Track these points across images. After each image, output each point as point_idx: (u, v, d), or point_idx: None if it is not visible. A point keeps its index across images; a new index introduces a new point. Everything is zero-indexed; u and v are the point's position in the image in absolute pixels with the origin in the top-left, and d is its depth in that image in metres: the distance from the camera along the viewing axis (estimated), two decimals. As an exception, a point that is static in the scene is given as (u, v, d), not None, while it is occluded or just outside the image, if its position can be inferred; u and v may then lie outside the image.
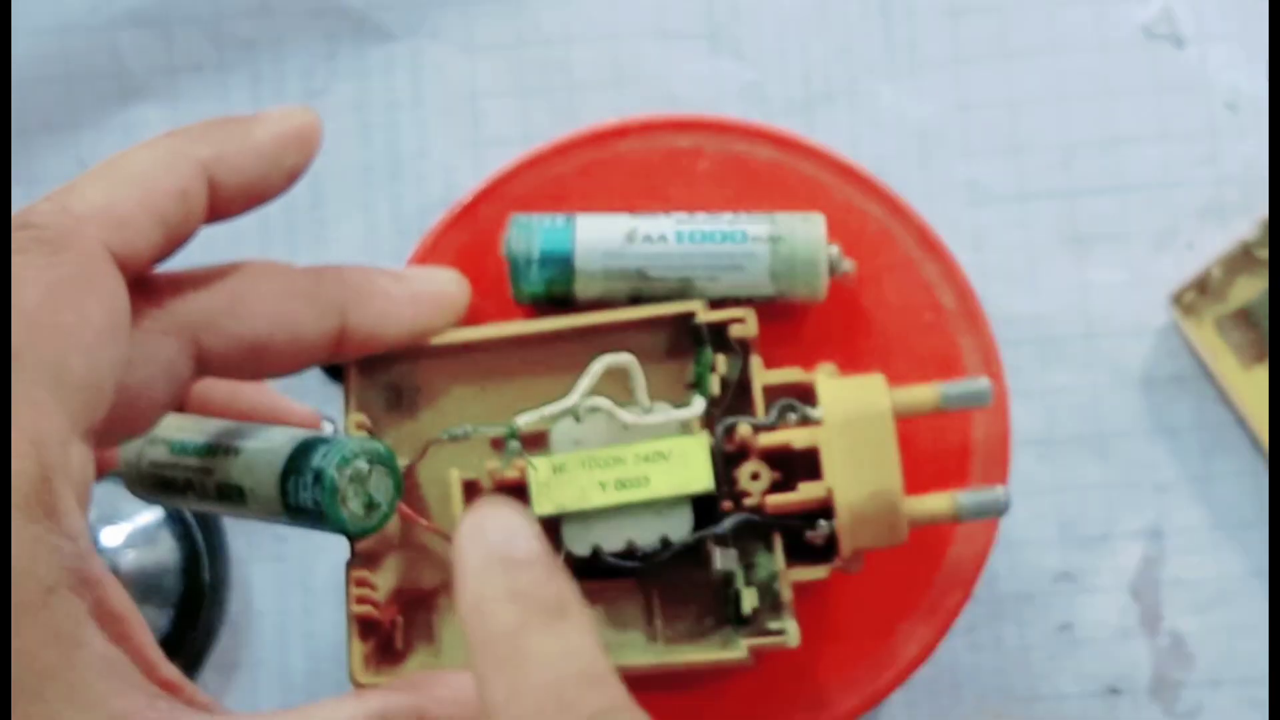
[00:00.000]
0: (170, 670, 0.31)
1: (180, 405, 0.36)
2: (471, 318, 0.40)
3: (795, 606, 0.37)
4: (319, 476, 0.34)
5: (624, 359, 0.37)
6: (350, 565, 0.38)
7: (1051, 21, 0.50)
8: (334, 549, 0.38)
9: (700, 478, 0.37)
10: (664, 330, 0.39)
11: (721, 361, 0.38)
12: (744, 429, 0.38)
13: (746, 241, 0.39)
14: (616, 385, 0.38)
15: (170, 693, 0.30)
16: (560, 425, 0.38)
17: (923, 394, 0.37)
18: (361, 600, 0.37)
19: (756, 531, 0.37)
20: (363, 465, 0.35)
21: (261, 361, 0.35)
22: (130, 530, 0.48)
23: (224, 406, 0.39)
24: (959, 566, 0.40)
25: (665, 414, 0.38)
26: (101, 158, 0.33)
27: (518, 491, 0.37)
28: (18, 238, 0.31)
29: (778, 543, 0.37)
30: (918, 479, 0.38)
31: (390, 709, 0.32)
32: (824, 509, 0.37)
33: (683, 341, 0.39)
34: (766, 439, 0.37)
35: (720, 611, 0.38)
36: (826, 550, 0.37)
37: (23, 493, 0.28)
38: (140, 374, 0.33)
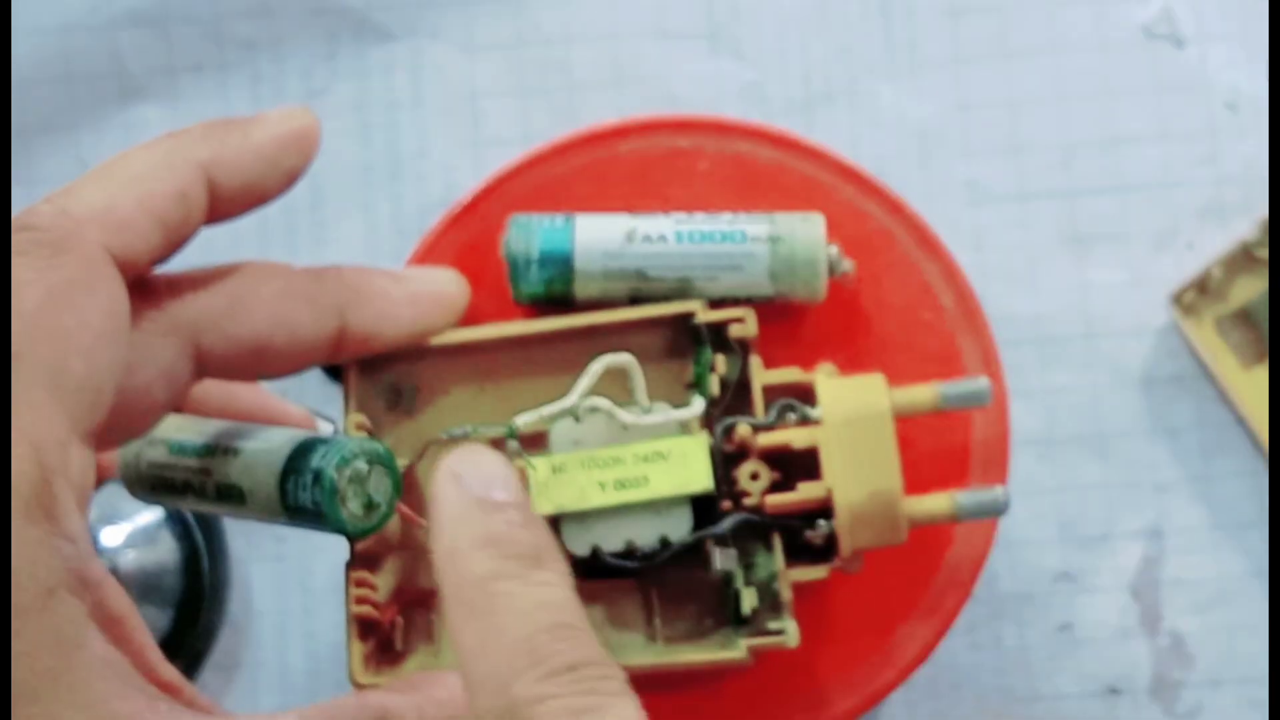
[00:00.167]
0: (169, 671, 0.31)
1: (179, 406, 0.36)
2: (471, 318, 0.40)
3: (795, 606, 0.37)
4: (318, 477, 0.34)
5: (623, 359, 0.37)
6: (350, 565, 0.38)
7: (1051, 21, 0.50)
8: (334, 549, 0.38)
9: (700, 478, 0.37)
10: (663, 330, 0.39)
11: (721, 361, 0.38)
12: (743, 429, 0.38)
13: (746, 241, 0.39)
14: (616, 385, 0.38)
15: (170, 694, 0.30)
16: (559, 425, 0.38)
17: (922, 394, 0.37)
18: (361, 600, 0.37)
19: (756, 531, 0.37)
20: (362, 465, 0.35)
21: (261, 362, 0.35)
22: (130, 530, 0.48)
23: (220, 407, 0.39)
24: (959, 566, 0.40)
25: (665, 414, 0.38)
26: (101, 158, 0.33)
27: (517, 492, 0.37)
28: (18, 240, 0.31)
29: (777, 543, 0.37)
30: (917, 479, 0.38)
31: (390, 709, 0.32)
32: (823, 509, 0.37)
33: (682, 341, 0.39)
34: (766, 439, 0.37)
35: (720, 611, 0.38)
36: (826, 550, 0.37)
37: (23, 495, 0.28)
38: (140, 376, 0.33)
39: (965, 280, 0.41)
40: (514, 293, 0.39)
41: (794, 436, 0.37)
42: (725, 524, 0.37)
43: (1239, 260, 0.48)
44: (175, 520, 0.48)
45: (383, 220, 0.50)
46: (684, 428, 0.38)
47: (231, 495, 0.36)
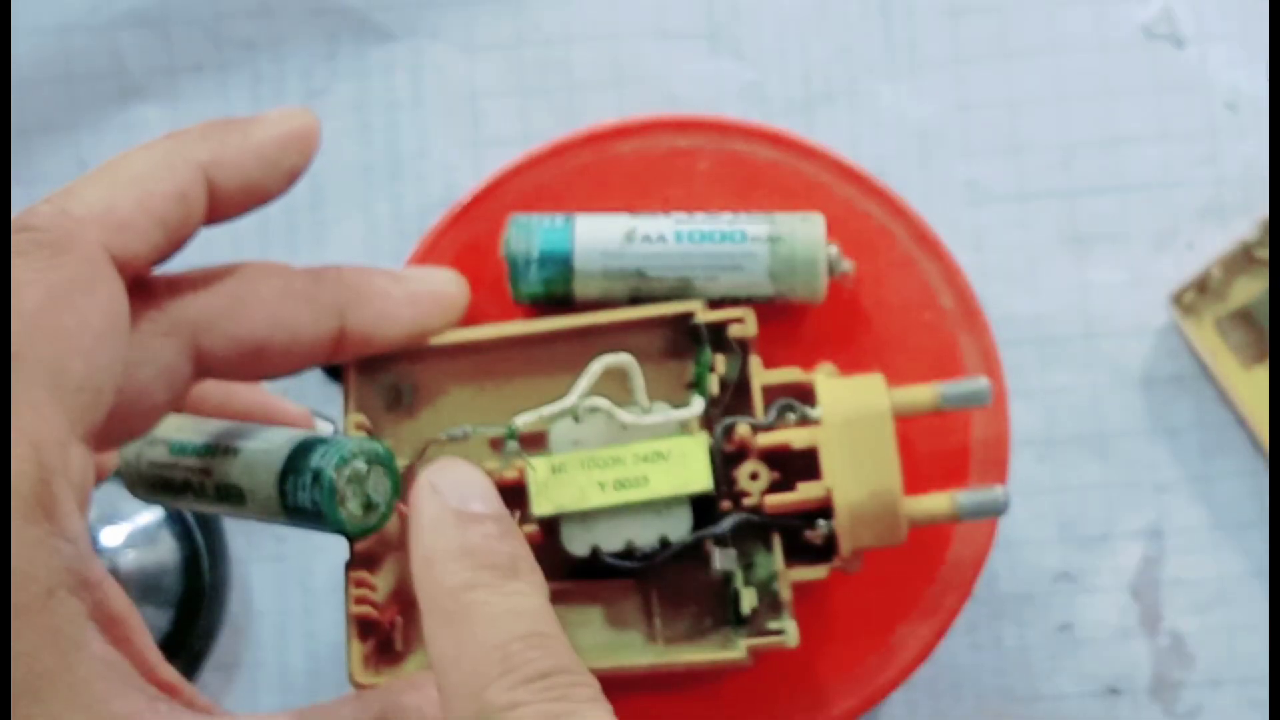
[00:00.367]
0: (169, 672, 0.31)
1: (179, 406, 0.36)
2: (471, 318, 0.40)
3: (795, 606, 0.37)
4: (317, 477, 0.34)
5: (623, 359, 0.37)
6: (350, 565, 0.38)
7: (1051, 21, 0.50)
8: (333, 549, 0.38)
9: (699, 478, 0.37)
10: (663, 330, 0.39)
11: (721, 361, 0.38)
12: (743, 429, 0.38)
13: (746, 241, 0.39)
14: (616, 385, 0.38)
15: (169, 694, 0.30)
16: (559, 425, 0.38)
17: (922, 394, 0.37)
18: (361, 601, 0.37)
19: (756, 531, 0.37)
20: (361, 465, 0.35)
21: (261, 362, 0.35)
22: (130, 530, 0.48)
23: (219, 407, 0.39)
24: (959, 566, 0.40)
25: (664, 414, 0.38)
26: (101, 158, 0.33)
27: (517, 492, 0.37)
28: (17, 240, 0.31)
29: (777, 543, 0.37)
30: (917, 479, 0.38)
31: (389, 710, 0.32)
32: (823, 509, 0.37)
33: (682, 341, 0.39)
34: (765, 439, 0.37)
35: (719, 611, 0.38)
36: (826, 550, 0.37)
37: (22, 495, 0.28)
38: (140, 376, 0.33)
39: (965, 280, 0.41)
40: (514, 293, 0.39)
41: (794, 436, 0.37)
42: (725, 524, 0.37)
43: (1239, 260, 0.48)
44: (175, 520, 0.48)
45: (383, 220, 0.50)
46: (684, 428, 0.38)
47: (231, 495, 0.36)
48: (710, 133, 0.42)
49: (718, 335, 0.38)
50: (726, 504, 0.37)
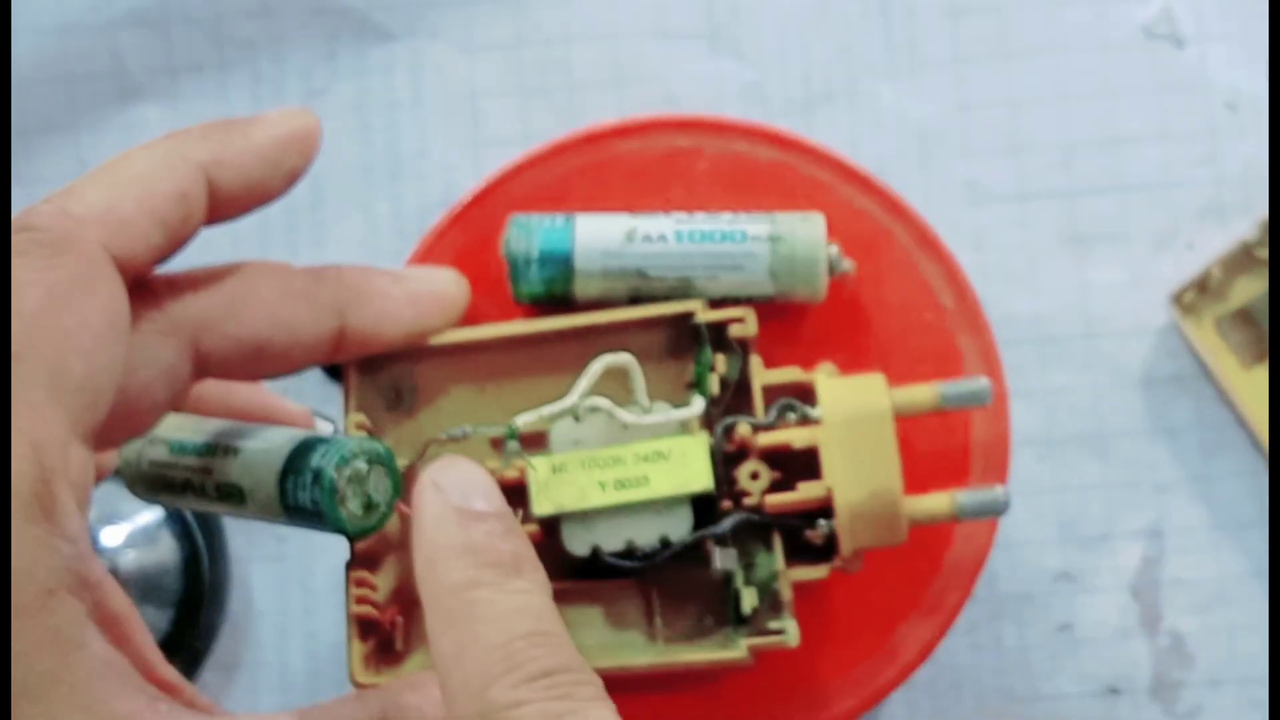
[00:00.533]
0: (169, 672, 0.31)
1: (178, 406, 0.36)
2: (471, 318, 0.40)
3: (795, 606, 0.37)
4: (317, 476, 0.34)
5: (623, 359, 0.37)
6: (350, 565, 0.38)
7: (1051, 21, 0.50)
8: (334, 549, 0.38)
9: (700, 477, 0.37)
10: (663, 330, 0.39)
11: (721, 361, 0.38)
12: (743, 428, 0.38)
13: (746, 241, 0.39)
14: (616, 385, 0.38)
15: (169, 694, 0.30)
16: (560, 425, 0.38)
17: (922, 393, 0.37)
18: (361, 600, 0.37)
19: (756, 531, 0.37)
20: (361, 465, 0.35)
21: (261, 362, 0.35)
22: (130, 530, 0.48)
23: (218, 406, 0.39)
24: (959, 566, 0.40)
25: (665, 414, 0.38)
26: (102, 158, 0.33)
27: (517, 491, 0.37)
28: (18, 240, 0.31)
29: (777, 542, 0.37)
30: (917, 479, 0.38)
31: (390, 710, 0.32)
32: (823, 508, 0.37)
33: (682, 341, 0.39)
34: (766, 438, 0.37)
35: (720, 611, 0.38)
36: (826, 550, 0.37)
37: (22, 495, 0.28)
38: (140, 376, 0.33)
39: (965, 280, 0.41)
40: (514, 293, 0.39)
41: (794, 436, 0.37)
42: (725, 524, 0.37)
43: (1239, 260, 0.48)
44: (175, 520, 0.48)
45: (383, 220, 0.50)
46: (684, 427, 0.38)
47: (231, 494, 0.36)
48: (710, 133, 0.42)
49: (718, 335, 0.38)
50: (727, 504, 0.37)
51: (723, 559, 0.37)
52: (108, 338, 0.31)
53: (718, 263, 0.38)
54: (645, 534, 0.37)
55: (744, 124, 0.42)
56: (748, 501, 0.37)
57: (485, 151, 0.50)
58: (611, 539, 0.37)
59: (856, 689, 0.40)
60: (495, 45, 0.50)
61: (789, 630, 0.37)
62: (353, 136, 0.50)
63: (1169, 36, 0.50)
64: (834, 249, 0.39)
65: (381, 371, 0.39)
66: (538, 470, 0.37)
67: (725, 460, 0.38)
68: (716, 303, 0.39)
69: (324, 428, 0.47)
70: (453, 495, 0.32)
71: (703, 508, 0.37)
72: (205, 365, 0.35)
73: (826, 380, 0.38)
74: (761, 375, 0.38)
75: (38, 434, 0.29)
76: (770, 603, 0.37)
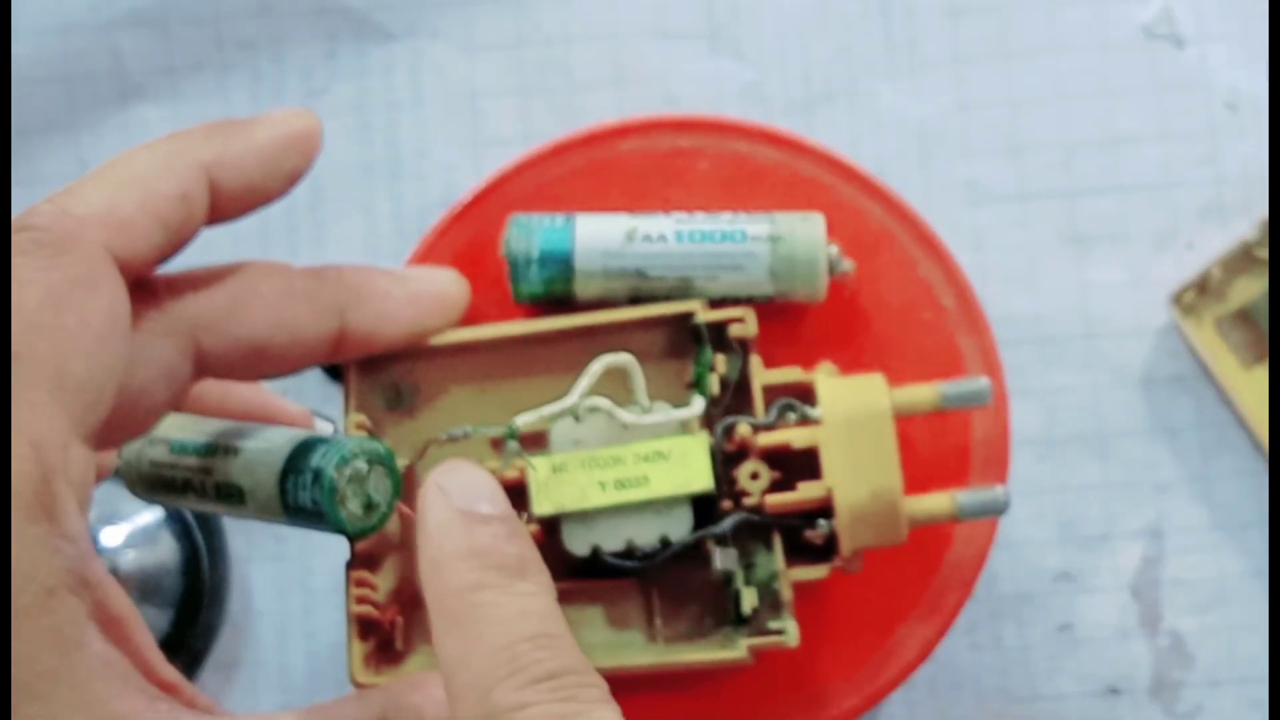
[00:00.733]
0: (169, 671, 0.31)
1: (178, 406, 0.36)
2: (471, 318, 0.40)
3: (795, 606, 0.37)
4: (318, 476, 0.34)
5: (623, 359, 0.37)
6: (350, 565, 0.38)
7: (1051, 21, 0.50)
8: (334, 549, 0.38)
9: (700, 477, 0.37)
10: (663, 330, 0.39)
11: (721, 361, 0.38)
12: (743, 428, 0.38)
13: (746, 241, 0.39)
14: (616, 385, 0.38)
15: (169, 694, 0.30)
16: (560, 425, 0.38)
17: (922, 393, 0.37)
18: (361, 600, 0.37)
19: (756, 531, 0.37)
20: (361, 465, 0.35)
21: (261, 362, 0.35)
22: (130, 530, 0.48)
23: (217, 406, 0.39)
24: (959, 566, 0.40)
25: (665, 414, 0.38)
26: (102, 158, 0.33)
27: (517, 491, 0.37)
28: (18, 240, 0.31)
29: (777, 542, 0.37)
30: (917, 479, 0.38)
31: (390, 710, 0.32)
32: (823, 508, 0.37)
33: (682, 341, 0.39)
34: (766, 438, 0.37)
35: (720, 611, 0.38)
36: (826, 550, 0.37)
37: (23, 495, 0.28)
38: (140, 376, 0.33)
39: (965, 280, 0.41)
40: (514, 293, 0.39)
41: (794, 436, 0.37)
42: (725, 524, 0.37)
43: (1239, 260, 0.48)
44: (175, 520, 0.48)
45: (383, 220, 0.50)
46: (684, 427, 0.38)
47: (231, 495, 0.36)
48: (710, 133, 0.42)
49: (718, 335, 0.38)
50: (727, 504, 0.37)
51: (723, 559, 0.37)
52: (108, 338, 0.31)
53: (718, 263, 0.38)
54: (645, 534, 0.37)
55: (744, 124, 0.42)
56: (748, 501, 0.37)
57: (485, 151, 0.50)
58: (611, 539, 0.37)
59: (856, 689, 0.40)
60: (495, 45, 0.51)
61: (789, 630, 0.37)
62: (353, 136, 0.50)
63: (1169, 36, 0.50)
64: (834, 249, 0.39)
65: (381, 371, 0.39)
66: (538, 470, 0.37)
67: (725, 460, 0.38)
68: (716, 303, 0.39)
69: (324, 428, 0.47)
70: (457, 498, 0.32)
71: (703, 508, 0.37)
72: (205, 365, 0.35)
73: (826, 380, 0.38)
74: (761, 375, 0.38)
75: (38, 434, 0.29)
76: (770, 603, 0.37)
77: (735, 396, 0.38)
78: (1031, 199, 0.49)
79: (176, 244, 0.33)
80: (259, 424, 0.37)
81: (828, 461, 0.37)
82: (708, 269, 0.38)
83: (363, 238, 0.50)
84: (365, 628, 0.38)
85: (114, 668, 0.29)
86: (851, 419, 0.37)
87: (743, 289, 0.39)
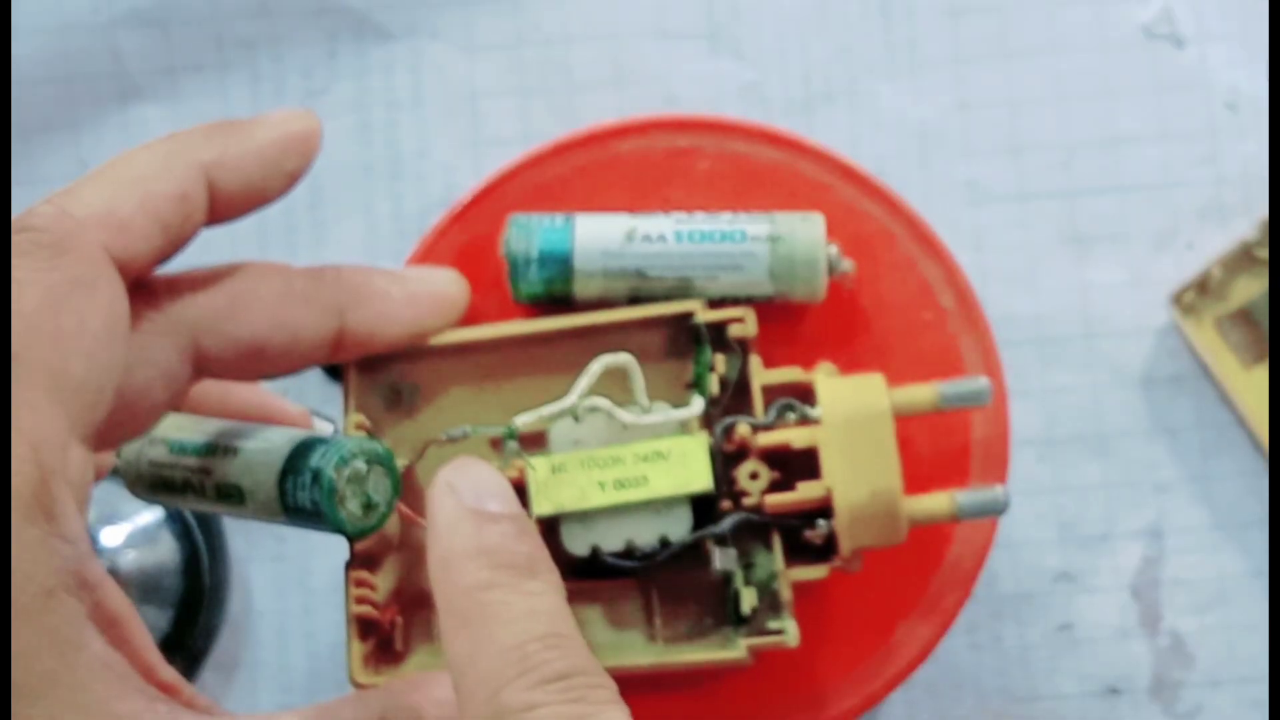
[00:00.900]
0: (169, 672, 0.31)
1: (177, 406, 0.36)
2: (471, 318, 0.40)
3: (795, 606, 0.37)
4: (317, 476, 0.34)
5: (623, 359, 0.37)
6: (350, 565, 0.38)
7: (1051, 21, 0.50)
8: (334, 549, 0.38)
9: (699, 477, 0.37)
10: (663, 330, 0.39)
11: (721, 361, 0.38)
12: (743, 428, 0.38)
13: (746, 241, 0.39)
14: (616, 385, 0.38)
15: (169, 695, 0.30)
16: (559, 425, 0.38)
17: (922, 393, 0.37)
18: (361, 600, 0.37)
19: (755, 531, 0.37)
20: (361, 465, 0.35)
21: (260, 363, 0.35)
22: (130, 530, 0.48)
23: (217, 406, 0.39)
24: (958, 566, 0.40)
25: (664, 414, 0.38)
26: (102, 158, 0.33)
27: (517, 492, 0.37)
28: (17, 240, 0.31)
29: (777, 542, 0.37)
30: (917, 478, 0.38)
31: (390, 710, 0.32)
32: (823, 508, 0.37)
33: (682, 341, 0.39)
34: (765, 438, 0.37)
35: (720, 611, 0.38)
36: (826, 550, 0.37)
37: (22, 496, 0.28)
38: (139, 376, 0.33)
39: (965, 280, 0.41)
40: (514, 292, 0.39)
41: (794, 436, 0.37)
42: (725, 524, 0.37)
43: (1239, 260, 0.48)
44: (175, 520, 0.48)
45: (383, 220, 0.50)
46: (684, 427, 0.38)
47: (231, 495, 0.36)
48: (710, 133, 0.42)
49: (718, 335, 0.38)
50: (726, 504, 0.37)
51: (722, 559, 0.37)
52: (107, 338, 0.31)
53: (717, 263, 0.38)
54: (645, 534, 0.37)
55: (744, 124, 0.42)
56: (747, 501, 0.37)
57: (485, 151, 0.50)
58: (611, 539, 0.37)
59: (856, 689, 0.40)
60: (495, 45, 0.51)
61: (788, 630, 0.37)
62: (353, 136, 0.50)
63: (1169, 36, 0.50)
64: (834, 249, 0.39)
65: (381, 371, 0.39)
66: (537, 470, 0.37)
67: (725, 460, 0.38)
68: (716, 303, 0.39)
69: (324, 428, 0.47)
70: (467, 496, 0.32)
71: (702, 508, 0.37)
72: (205, 366, 0.35)
73: (826, 380, 0.38)
74: (761, 375, 0.38)
75: (37, 435, 0.29)
76: (770, 603, 0.37)
77: (735, 396, 0.38)
78: (1031, 199, 0.49)
79: (176, 245, 0.33)
80: (258, 424, 0.37)
81: (827, 461, 0.37)
82: (707, 269, 0.38)
83: (363, 238, 0.50)
84: (365, 628, 0.38)
85: (113, 669, 0.29)
86: (851, 419, 0.37)
87: (742, 289, 0.39)
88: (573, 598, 0.37)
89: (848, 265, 0.39)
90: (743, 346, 0.38)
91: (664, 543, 0.37)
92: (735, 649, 0.37)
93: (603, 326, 0.39)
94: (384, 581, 0.38)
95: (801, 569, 0.37)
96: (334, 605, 0.43)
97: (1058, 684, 0.48)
